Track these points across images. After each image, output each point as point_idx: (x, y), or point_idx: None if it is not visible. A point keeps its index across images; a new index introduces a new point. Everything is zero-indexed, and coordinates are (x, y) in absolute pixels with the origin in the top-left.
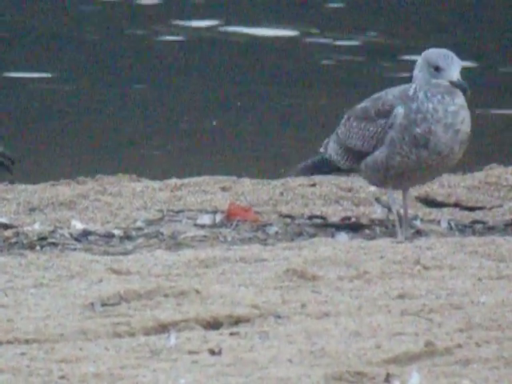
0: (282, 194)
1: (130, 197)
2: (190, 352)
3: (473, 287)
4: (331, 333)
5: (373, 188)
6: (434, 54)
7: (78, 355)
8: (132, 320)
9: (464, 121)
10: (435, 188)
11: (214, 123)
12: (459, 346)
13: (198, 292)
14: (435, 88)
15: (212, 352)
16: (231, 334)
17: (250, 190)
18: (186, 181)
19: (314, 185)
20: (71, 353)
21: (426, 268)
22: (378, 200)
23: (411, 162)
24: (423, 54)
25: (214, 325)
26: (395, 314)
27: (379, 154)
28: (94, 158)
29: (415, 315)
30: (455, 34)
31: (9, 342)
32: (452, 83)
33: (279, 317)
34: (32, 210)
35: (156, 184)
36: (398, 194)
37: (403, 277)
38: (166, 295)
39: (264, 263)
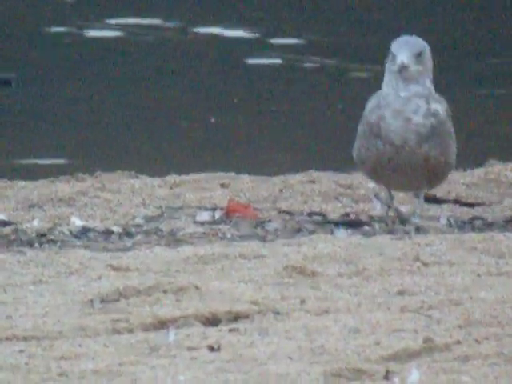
0: (281, 190)
1: (129, 194)
2: (189, 348)
3: (472, 283)
4: (330, 329)
5: (372, 185)
6: (394, 41)
7: (76, 352)
8: (131, 316)
9: (418, 111)
10: None
11: (213, 120)
12: (458, 342)
13: (197, 288)
14: (392, 74)
15: (211, 348)
16: (230, 330)
17: (249, 187)
18: (185, 178)
19: (313, 181)
20: (70, 349)
21: (425, 264)
22: (377, 197)
23: (373, 155)
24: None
25: (213, 321)
26: (394, 310)
27: (354, 149)
28: (93, 154)
29: (414, 312)
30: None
31: (7, 339)
32: (398, 66)
33: (278, 313)
34: (31, 206)
35: (155, 181)
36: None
37: (402, 273)
38: (165, 291)
39: (263, 259)
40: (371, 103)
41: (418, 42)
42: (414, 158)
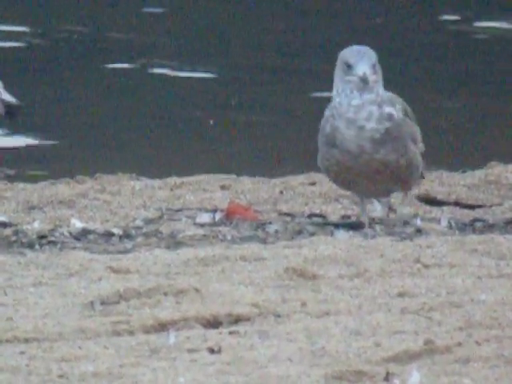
0: (281, 192)
1: (129, 195)
2: (190, 351)
3: (473, 285)
4: (331, 332)
5: None
6: (346, 51)
7: (77, 354)
8: (131, 319)
9: (371, 117)
10: (435, 186)
11: (211, 122)
12: (459, 344)
13: (197, 291)
14: (347, 84)
15: (211, 351)
16: (231, 332)
17: (249, 189)
18: (185, 179)
19: (313, 183)
20: (70, 352)
21: (425, 266)
22: (378, 199)
23: (334, 164)
24: (340, 53)
25: (213, 323)
26: (395, 312)
27: (317, 159)
28: (94, 156)
29: (415, 313)
30: None
31: (8, 341)
32: (360, 78)
33: (279, 315)
34: (31, 208)
35: (155, 183)
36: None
37: (403, 275)
38: (165, 294)
39: (264, 262)
40: (325, 114)
41: (371, 53)
42: (373, 164)
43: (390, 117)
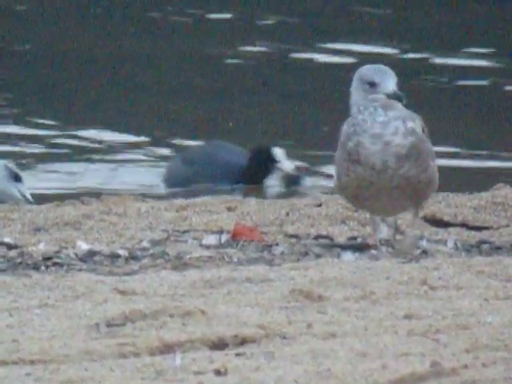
0: (287, 214)
1: (135, 217)
2: (196, 372)
3: (479, 307)
4: (337, 353)
5: None
6: (367, 70)
7: (83, 376)
8: (137, 340)
9: (397, 132)
10: (442, 208)
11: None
12: (466, 366)
13: (203, 312)
14: (370, 103)
15: (218, 372)
16: (237, 354)
17: (255, 210)
18: (191, 201)
19: (320, 205)
20: (76, 373)
21: (432, 288)
22: (384, 220)
23: (353, 180)
24: (357, 72)
25: (219, 345)
26: (401, 334)
27: (334, 177)
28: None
29: (422, 336)
30: None
31: (14, 363)
32: (388, 95)
33: (285, 337)
34: (37, 230)
35: (161, 204)
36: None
37: (409, 297)
38: (171, 315)
39: (270, 283)
40: (345, 130)
41: (391, 71)
42: (396, 179)
43: (413, 131)
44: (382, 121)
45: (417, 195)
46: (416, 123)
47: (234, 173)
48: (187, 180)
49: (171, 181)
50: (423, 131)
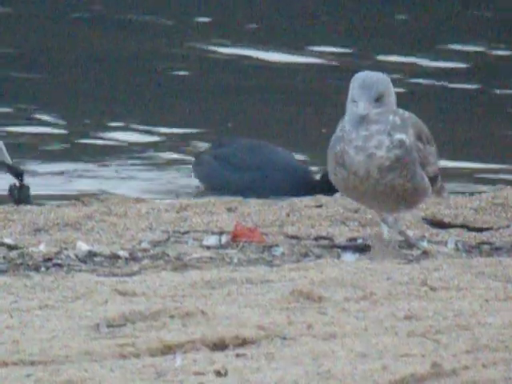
0: (288, 214)
1: (135, 218)
2: (196, 373)
3: (480, 308)
4: (337, 354)
5: None
6: (356, 81)
7: (83, 377)
8: (137, 341)
9: (381, 146)
10: (442, 209)
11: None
12: (466, 367)
13: (203, 313)
14: (353, 115)
15: (218, 373)
16: (237, 355)
17: (256, 211)
18: (191, 202)
19: (320, 206)
20: (76, 374)
21: (432, 289)
22: (384, 221)
23: (340, 180)
24: (353, 77)
25: (219, 346)
26: (402, 335)
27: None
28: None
29: (422, 336)
30: None
31: (14, 364)
32: (359, 115)
33: (285, 338)
34: (37, 230)
35: (162, 205)
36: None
37: (410, 298)
38: (171, 316)
39: (270, 284)
40: (336, 132)
41: (377, 84)
42: (379, 187)
43: (401, 144)
44: (364, 135)
45: (405, 201)
46: (409, 133)
47: (308, 181)
48: (238, 188)
49: (215, 187)
50: (420, 138)
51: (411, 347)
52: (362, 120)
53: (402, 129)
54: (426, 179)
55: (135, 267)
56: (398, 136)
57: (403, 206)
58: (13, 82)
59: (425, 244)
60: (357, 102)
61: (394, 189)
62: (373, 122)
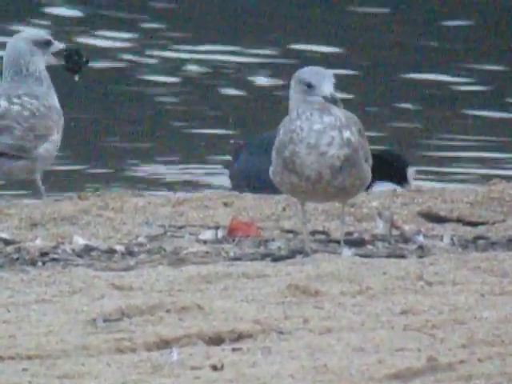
0: (284, 209)
1: (132, 212)
2: (193, 368)
3: (475, 303)
4: (334, 348)
5: (375, 203)
6: (305, 72)
7: (79, 371)
8: (134, 336)
9: (332, 143)
10: (438, 203)
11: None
12: (462, 361)
13: (200, 308)
14: (309, 105)
15: (214, 368)
16: (233, 349)
17: (252, 206)
18: (188, 196)
19: None
20: (73, 368)
21: (428, 284)
22: (380, 215)
23: (287, 184)
24: (295, 73)
25: (216, 340)
26: (398, 329)
27: (270, 171)
28: (98, 171)
29: (418, 331)
30: None
31: (10, 358)
32: (325, 98)
33: (281, 332)
34: (34, 225)
35: (158, 199)
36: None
37: (406, 292)
38: (168, 311)
39: (266, 279)
40: (282, 135)
41: (330, 73)
42: (330, 189)
43: (349, 142)
44: (317, 129)
45: (349, 195)
46: (352, 130)
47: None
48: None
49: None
50: (360, 133)
51: (407, 341)
52: (330, 104)
53: (347, 126)
54: (370, 170)
55: (132, 262)
56: (346, 134)
57: (348, 198)
58: None
59: (421, 239)
60: (314, 88)
61: (343, 190)
62: (326, 110)
